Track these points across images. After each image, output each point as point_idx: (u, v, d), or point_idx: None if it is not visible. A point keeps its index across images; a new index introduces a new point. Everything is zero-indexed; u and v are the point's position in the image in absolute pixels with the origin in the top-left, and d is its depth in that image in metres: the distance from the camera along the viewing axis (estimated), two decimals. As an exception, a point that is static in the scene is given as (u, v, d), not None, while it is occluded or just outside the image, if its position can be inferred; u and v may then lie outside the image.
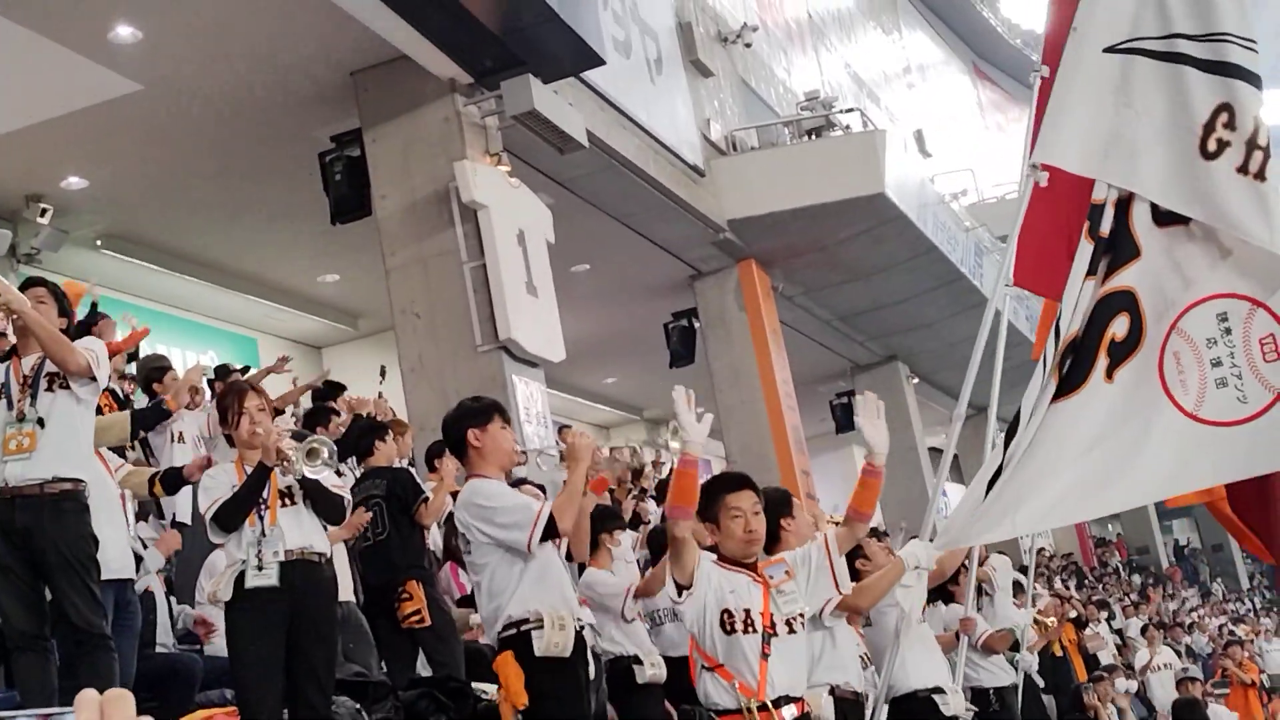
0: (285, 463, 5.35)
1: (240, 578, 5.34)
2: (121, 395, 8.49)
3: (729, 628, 4.57)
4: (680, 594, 4.62)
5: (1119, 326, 4.80)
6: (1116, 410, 4.77)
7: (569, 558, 5.10)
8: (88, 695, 1.05)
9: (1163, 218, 4.81)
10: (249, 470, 5.47)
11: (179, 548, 7.22)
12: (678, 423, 4.70)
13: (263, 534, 5.35)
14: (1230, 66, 4.76)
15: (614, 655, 7.16)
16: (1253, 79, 4.74)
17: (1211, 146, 4.73)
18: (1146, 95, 4.83)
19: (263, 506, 5.40)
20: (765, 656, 4.55)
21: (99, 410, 6.07)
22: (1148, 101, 4.83)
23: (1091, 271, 4.84)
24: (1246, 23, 4.82)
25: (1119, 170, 4.87)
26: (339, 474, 7.51)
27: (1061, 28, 5.22)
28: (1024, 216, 5.48)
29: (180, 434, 8.53)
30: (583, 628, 4.94)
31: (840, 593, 5.30)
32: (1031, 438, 4.85)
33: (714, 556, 4.81)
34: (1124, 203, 4.84)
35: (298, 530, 5.41)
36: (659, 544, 7.46)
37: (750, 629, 4.58)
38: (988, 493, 4.90)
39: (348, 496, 5.74)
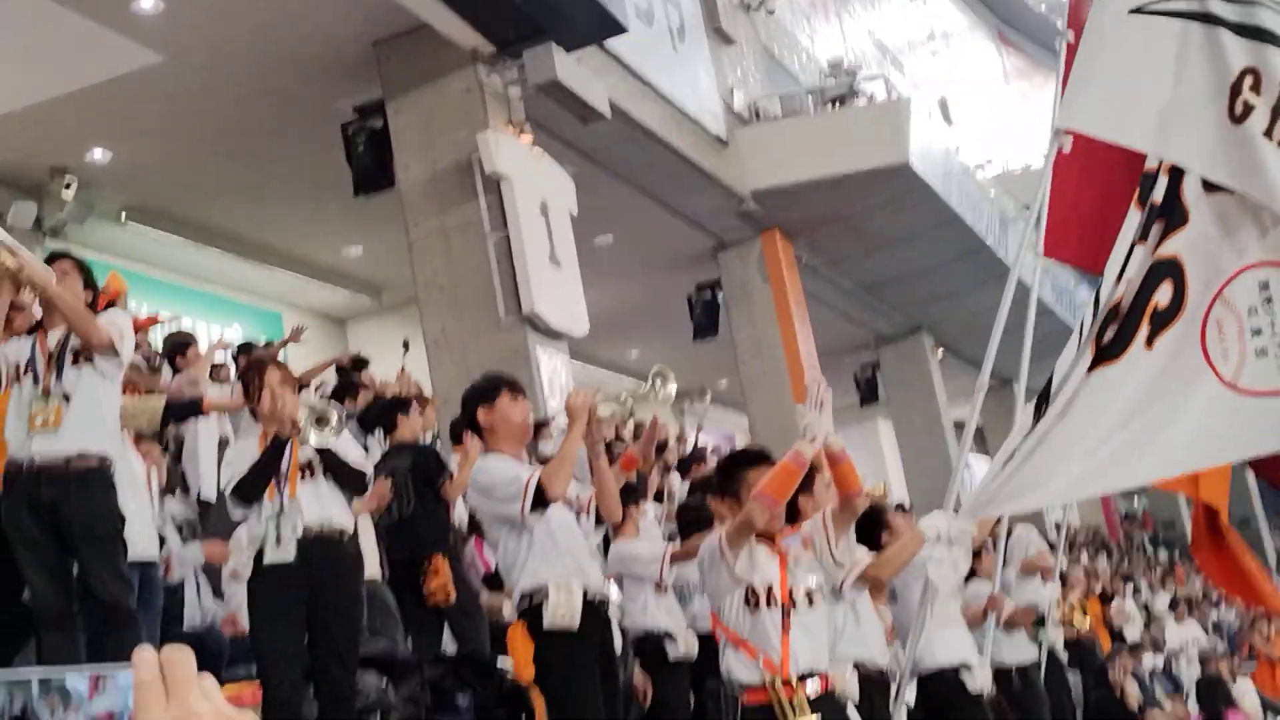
0: (298, 432, 5.33)
1: (259, 554, 5.33)
2: (147, 366, 8.48)
3: (753, 603, 4.54)
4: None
5: (1162, 294, 4.72)
6: (1155, 378, 4.69)
7: (599, 520, 4.98)
8: (145, 653, 1.03)
9: (1212, 184, 4.72)
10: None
11: (226, 561, 7.18)
12: (807, 421, 4.58)
13: (281, 509, 5.33)
14: (1261, 31, 4.67)
15: (646, 630, 7.13)
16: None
17: (1238, 109, 4.65)
18: (1174, 57, 4.74)
19: (282, 480, 5.38)
20: (786, 631, 4.52)
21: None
22: (1175, 63, 4.73)
23: (1142, 238, 4.75)
24: None
25: (1146, 135, 4.79)
26: (366, 449, 7.53)
27: None
28: (1050, 184, 5.40)
29: (204, 409, 8.53)
30: (601, 601, 4.84)
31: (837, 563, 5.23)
32: (1065, 405, 4.77)
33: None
34: (1176, 169, 4.75)
35: (316, 505, 5.38)
36: (687, 519, 7.42)
37: (771, 603, 4.54)
38: (1015, 462, 4.83)
39: (369, 470, 5.71)
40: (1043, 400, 4.88)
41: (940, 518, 5.46)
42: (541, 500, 4.73)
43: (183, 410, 6.83)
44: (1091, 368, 4.80)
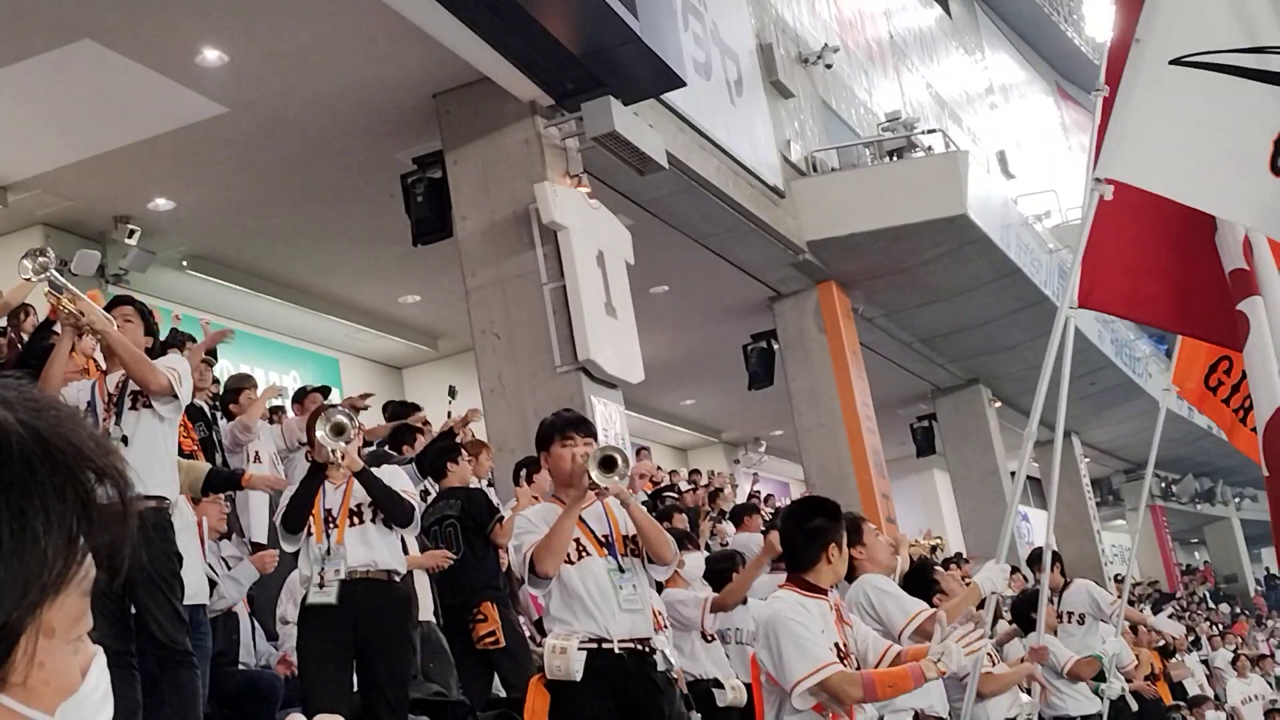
0: (325, 449, 5.36)
1: (306, 596, 5.38)
2: (209, 415, 8.56)
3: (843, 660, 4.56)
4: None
5: None
6: None
7: (649, 560, 4.87)
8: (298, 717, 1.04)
9: None
10: (334, 489, 5.51)
11: (274, 567, 7.24)
12: (945, 650, 4.51)
13: (328, 552, 5.38)
14: None
15: (694, 677, 7.11)
16: None
17: None
18: (1214, 108, 4.73)
19: (331, 525, 5.43)
20: None
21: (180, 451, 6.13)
22: (1215, 114, 4.72)
23: None
24: None
25: (1184, 185, 4.77)
26: (425, 495, 7.57)
27: (1125, 43, 5.12)
28: (1089, 234, 5.37)
29: (257, 454, 8.61)
30: (630, 652, 4.68)
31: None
32: None
33: (784, 581, 4.81)
34: None
35: (363, 548, 5.42)
36: (716, 570, 7.41)
37: (841, 660, 4.55)
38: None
39: (418, 503, 5.74)
40: None
41: (995, 571, 5.42)
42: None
43: (223, 482, 6.89)
44: None
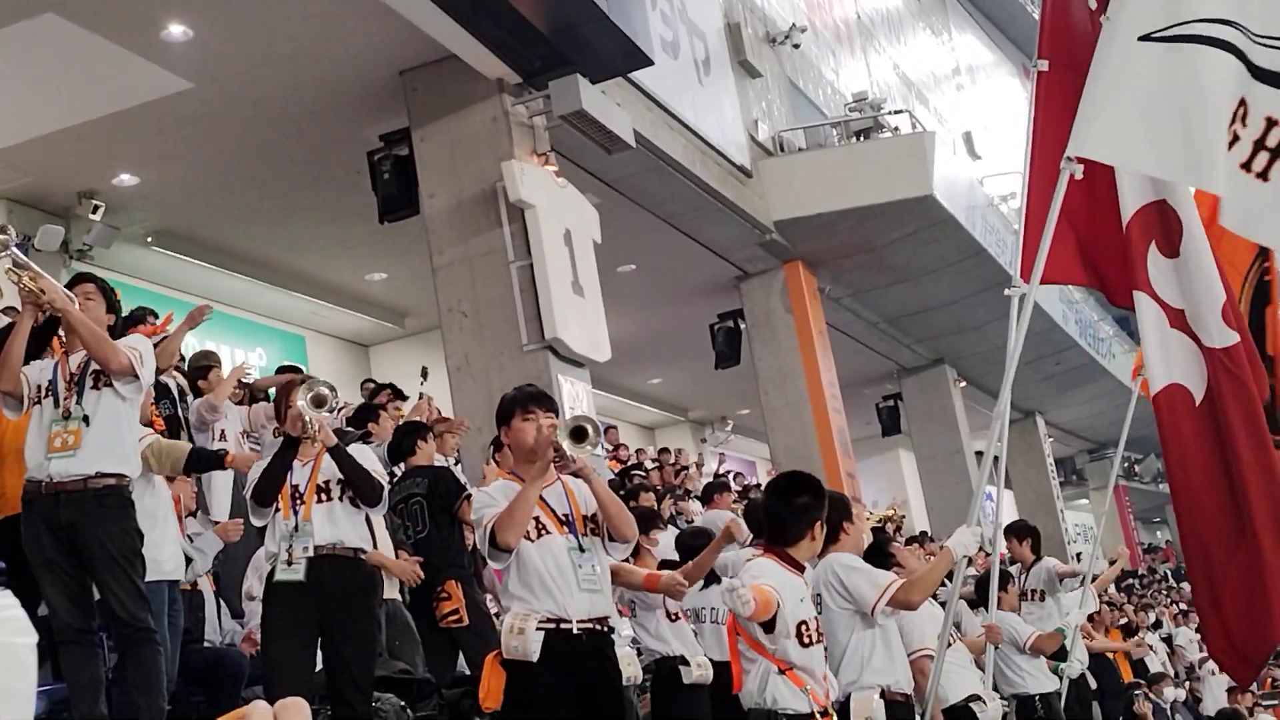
0: (303, 422, 5.35)
1: (272, 572, 5.38)
2: (174, 392, 8.52)
3: (806, 640, 4.66)
4: (769, 631, 4.64)
5: None
6: None
7: (611, 538, 4.84)
8: (259, 706, 1.05)
9: None
10: (301, 465, 5.51)
11: (237, 537, 7.23)
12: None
13: (295, 529, 5.37)
14: (1267, 72, 4.73)
15: (660, 655, 7.13)
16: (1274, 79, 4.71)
17: (1229, 137, 4.73)
18: (1181, 82, 4.78)
19: (298, 502, 5.42)
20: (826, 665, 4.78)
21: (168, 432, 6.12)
22: (1182, 89, 4.78)
23: None
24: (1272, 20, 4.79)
25: (1155, 160, 4.84)
26: (393, 475, 7.57)
27: (1060, 18, 5.19)
28: (1029, 211, 5.46)
29: (223, 432, 8.58)
30: (586, 632, 4.62)
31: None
32: None
33: (761, 551, 4.93)
34: None
35: (329, 526, 5.42)
36: (685, 546, 7.44)
37: (820, 639, 4.74)
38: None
39: (385, 483, 5.73)
40: None
41: (968, 534, 5.46)
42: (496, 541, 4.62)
43: (206, 463, 6.88)
44: None
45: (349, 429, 8.26)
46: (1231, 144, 4.67)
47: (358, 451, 5.65)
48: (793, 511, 4.83)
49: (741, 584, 4.48)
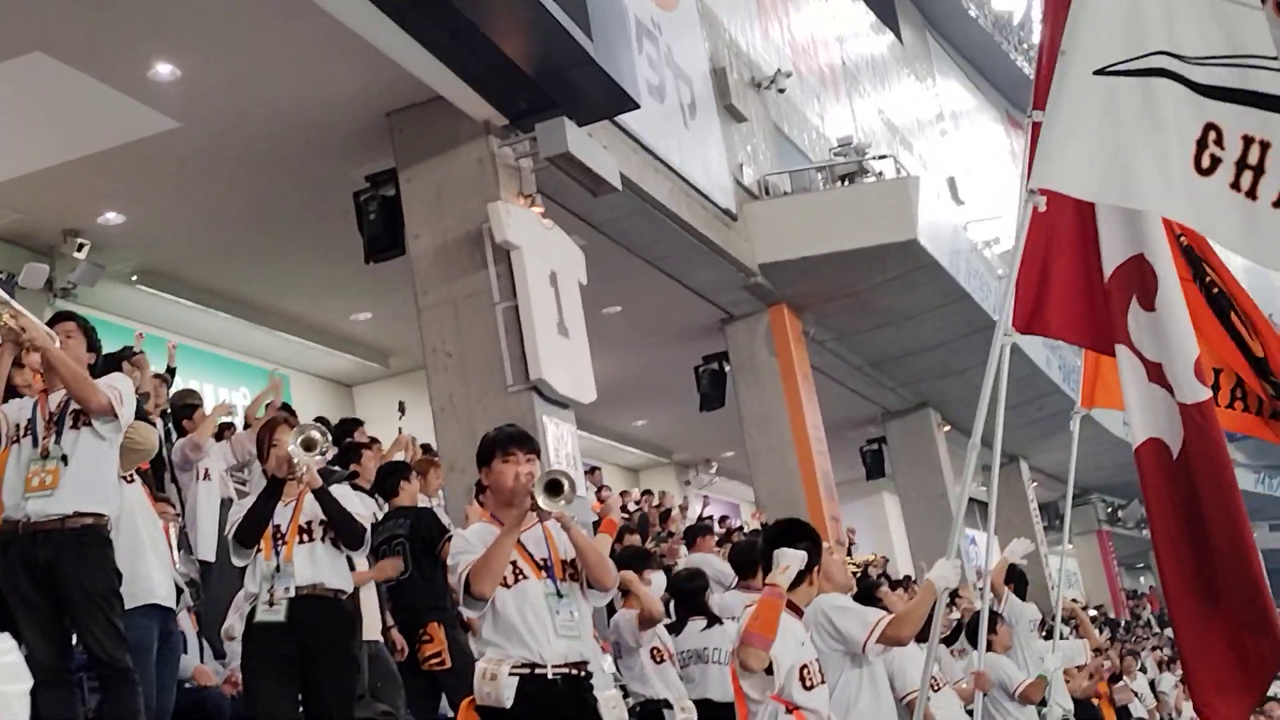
0: (290, 463, 5.33)
1: (252, 612, 5.35)
2: (162, 434, 8.50)
3: (808, 683, 4.77)
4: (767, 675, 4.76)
5: None
6: None
7: (589, 585, 4.77)
8: None
9: None
10: (283, 505, 5.49)
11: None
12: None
13: (277, 569, 5.35)
14: (1220, 90, 4.79)
15: (645, 698, 7.10)
16: (1248, 99, 4.76)
17: (1205, 162, 4.77)
18: (1138, 112, 4.84)
19: (280, 542, 5.40)
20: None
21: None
22: (1140, 118, 4.83)
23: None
24: (1243, 42, 4.84)
25: (1118, 189, 4.88)
26: (376, 516, 7.54)
27: (1053, 70, 5.26)
28: (1023, 251, 5.51)
29: (206, 471, 8.55)
30: (561, 677, 4.53)
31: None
32: None
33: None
34: None
35: (310, 567, 5.40)
36: (680, 590, 7.43)
37: (822, 681, 4.86)
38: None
39: (368, 525, 5.71)
40: None
41: (948, 567, 5.46)
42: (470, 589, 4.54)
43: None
44: None
45: (335, 468, 8.24)
46: (1213, 168, 4.72)
47: (341, 493, 5.63)
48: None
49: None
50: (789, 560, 4.89)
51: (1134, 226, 5.31)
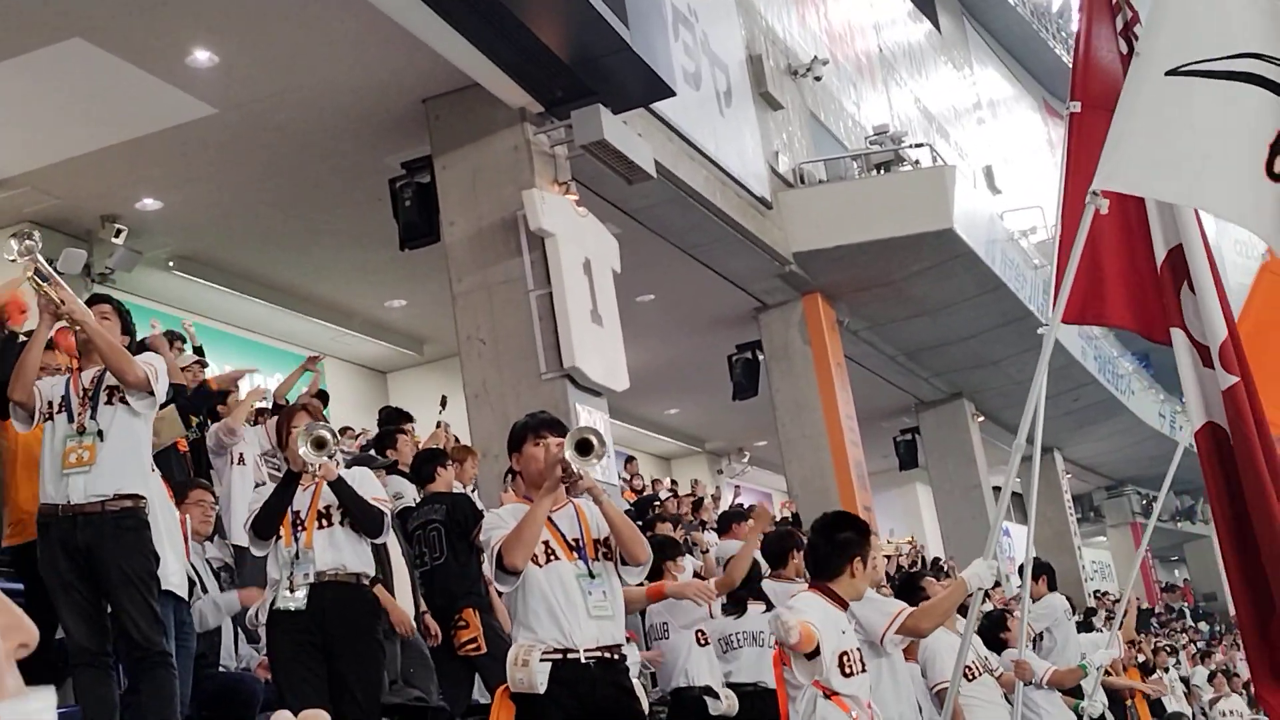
0: (303, 460, 5.34)
1: (275, 600, 5.37)
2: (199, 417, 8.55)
3: (848, 670, 4.79)
4: (811, 658, 4.79)
5: None
6: None
7: (623, 561, 4.76)
8: (284, 714, 1.03)
9: None
10: (301, 490, 5.50)
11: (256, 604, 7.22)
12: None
13: (296, 556, 5.36)
14: None
15: (684, 686, 7.10)
16: None
17: (1277, 167, 4.72)
18: (1210, 115, 4.80)
19: (299, 529, 5.42)
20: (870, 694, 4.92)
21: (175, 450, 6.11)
22: (1211, 121, 4.80)
23: None
24: None
25: (1184, 190, 4.86)
26: (399, 497, 7.56)
27: (1093, 59, 5.22)
28: (1084, 247, 5.46)
29: (241, 456, 8.58)
30: (595, 660, 4.53)
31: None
32: None
33: (806, 586, 5.12)
34: None
35: (331, 551, 5.40)
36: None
37: (863, 669, 4.87)
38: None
39: (388, 510, 5.71)
40: None
41: (983, 566, 5.45)
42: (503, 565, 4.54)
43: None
44: None
45: (374, 454, 8.28)
46: None
47: (359, 477, 5.63)
48: (835, 547, 5.05)
49: (789, 615, 4.68)
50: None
51: (1176, 212, 5.29)
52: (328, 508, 5.46)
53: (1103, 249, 5.40)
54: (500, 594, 5.18)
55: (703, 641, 7.20)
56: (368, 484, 5.65)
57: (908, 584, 6.92)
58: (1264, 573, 5.15)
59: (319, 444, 5.34)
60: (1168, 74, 4.80)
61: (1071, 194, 5.32)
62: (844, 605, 5.00)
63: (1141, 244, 5.41)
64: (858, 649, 4.88)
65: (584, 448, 4.49)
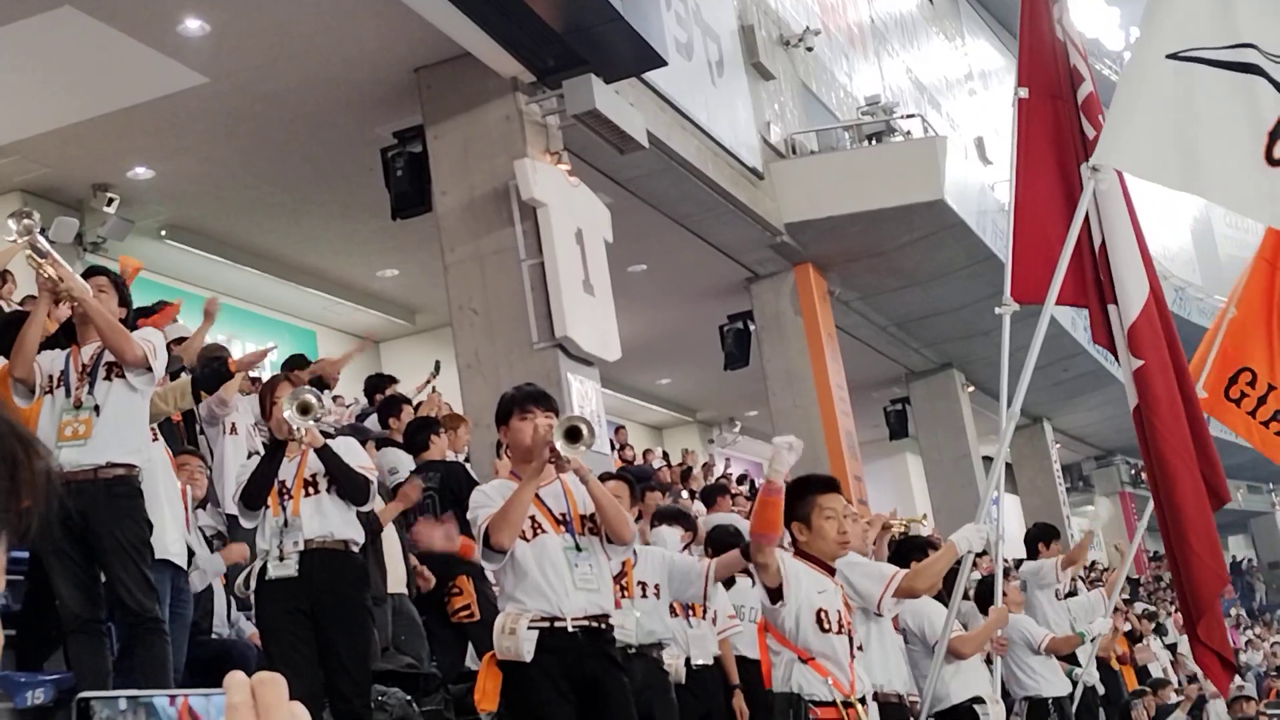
0: (287, 425, 5.37)
1: (264, 568, 5.41)
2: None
3: (825, 626, 4.82)
4: (774, 601, 4.85)
5: None
6: None
7: (608, 539, 4.82)
8: (237, 677, 1.06)
9: None
10: (287, 461, 5.54)
11: (245, 559, 7.27)
12: (772, 460, 4.83)
13: (285, 524, 5.41)
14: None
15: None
16: None
17: (1277, 154, 4.76)
18: (1211, 104, 4.84)
19: (286, 497, 5.46)
20: (853, 657, 4.91)
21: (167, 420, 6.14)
22: (1212, 110, 4.84)
23: None
24: None
25: (1181, 175, 4.90)
26: (394, 471, 7.60)
27: (1035, 47, 5.30)
28: (1013, 229, 5.56)
29: (234, 425, 8.61)
30: (584, 629, 4.60)
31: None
32: None
33: (792, 553, 5.07)
34: None
35: (319, 518, 5.46)
36: (716, 542, 7.48)
37: (841, 629, 4.88)
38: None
39: (374, 477, 5.76)
40: None
41: (972, 530, 5.51)
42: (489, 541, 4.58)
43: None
44: None
45: (368, 428, 8.32)
46: None
47: (345, 446, 5.67)
48: (806, 506, 5.07)
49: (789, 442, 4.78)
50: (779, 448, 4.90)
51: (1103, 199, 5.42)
52: (314, 476, 5.51)
53: (1057, 229, 5.48)
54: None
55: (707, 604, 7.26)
56: (354, 452, 5.70)
57: (916, 546, 7.02)
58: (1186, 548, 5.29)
59: (304, 409, 5.38)
60: (1169, 57, 4.84)
61: (1024, 176, 5.39)
62: (830, 571, 5.04)
63: (1079, 227, 5.49)
64: (839, 610, 4.90)
65: (573, 435, 4.56)
